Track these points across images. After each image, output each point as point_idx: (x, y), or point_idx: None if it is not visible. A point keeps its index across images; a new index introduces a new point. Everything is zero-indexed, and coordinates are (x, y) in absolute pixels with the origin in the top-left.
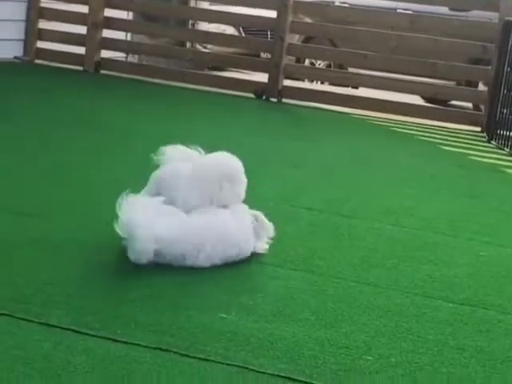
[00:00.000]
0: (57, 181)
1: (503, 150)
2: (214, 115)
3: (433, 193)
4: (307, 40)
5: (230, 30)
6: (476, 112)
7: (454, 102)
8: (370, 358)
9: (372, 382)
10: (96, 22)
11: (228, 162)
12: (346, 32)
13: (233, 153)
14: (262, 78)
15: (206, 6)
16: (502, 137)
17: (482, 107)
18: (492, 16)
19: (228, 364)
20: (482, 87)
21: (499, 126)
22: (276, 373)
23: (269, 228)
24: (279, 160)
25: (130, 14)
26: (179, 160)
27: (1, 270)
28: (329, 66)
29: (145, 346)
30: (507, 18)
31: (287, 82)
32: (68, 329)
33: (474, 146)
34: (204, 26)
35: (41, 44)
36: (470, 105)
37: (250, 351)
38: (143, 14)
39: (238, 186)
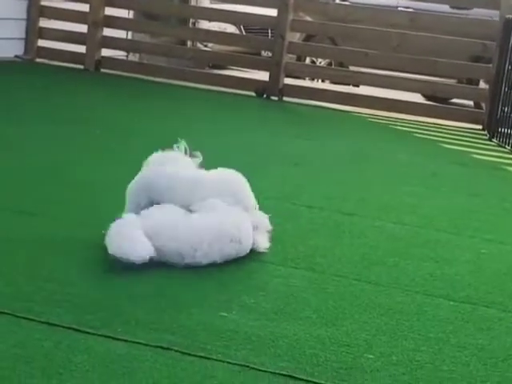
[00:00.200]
0: (57, 179)
1: (504, 147)
2: (215, 114)
3: (434, 190)
4: (308, 38)
5: (230, 28)
6: (477, 110)
7: (454, 100)
8: (371, 356)
9: (373, 380)
10: (97, 21)
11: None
12: (347, 30)
13: (233, 151)
14: (263, 76)
15: (206, 4)
16: (503, 135)
17: (483, 105)
18: (493, 14)
19: (229, 362)
20: (483, 85)
21: (500, 123)
22: (277, 371)
23: (265, 221)
24: (280, 158)
25: (131, 12)
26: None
27: (1, 268)
28: (329, 64)
29: (146, 345)
30: (508, 16)
31: (288, 81)
32: (69, 327)
33: (475, 144)
34: (205, 25)
35: (41, 43)
36: (471, 103)
37: (251, 349)
38: (144, 12)
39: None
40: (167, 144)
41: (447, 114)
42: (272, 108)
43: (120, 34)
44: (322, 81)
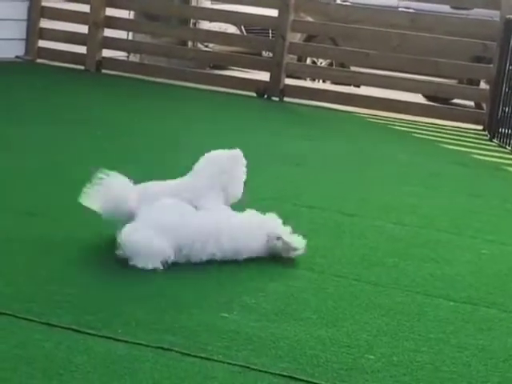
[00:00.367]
0: (57, 180)
1: (505, 148)
2: (216, 114)
3: (434, 191)
4: (309, 39)
5: (231, 28)
6: (478, 110)
7: (455, 101)
8: (372, 356)
9: (374, 380)
10: (97, 21)
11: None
12: (348, 30)
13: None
14: (264, 76)
15: (207, 5)
16: (503, 135)
17: (484, 105)
18: (493, 14)
19: (230, 363)
20: (483, 85)
21: (501, 124)
22: (278, 372)
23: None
24: (280, 158)
25: (132, 13)
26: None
27: (1, 268)
28: (330, 64)
29: (146, 345)
30: (508, 16)
31: (289, 81)
32: (69, 328)
33: (475, 145)
34: (205, 25)
35: (42, 43)
36: (471, 103)
37: (251, 350)
38: (145, 13)
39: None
40: (167, 144)
41: (448, 115)
42: (273, 108)
43: (121, 34)
44: (323, 81)
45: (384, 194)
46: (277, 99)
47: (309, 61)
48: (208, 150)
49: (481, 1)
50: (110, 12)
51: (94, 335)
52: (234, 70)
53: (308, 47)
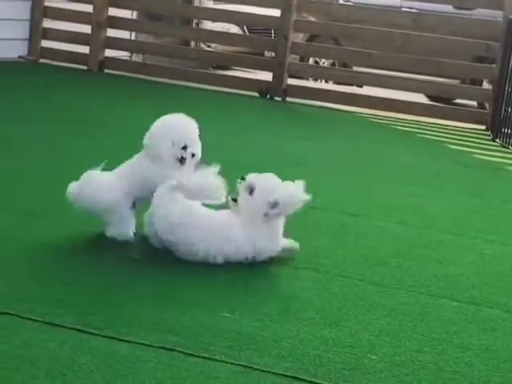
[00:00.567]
0: (58, 179)
1: (507, 148)
2: (218, 114)
3: (437, 191)
4: (311, 39)
5: (234, 28)
6: (480, 110)
7: (458, 101)
8: (375, 356)
9: (376, 380)
10: (100, 21)
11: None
12: (350, 30)
13: (236, 151)
14: (267, 76)
15: (210, 5)
16: (506, 135)
17: (487, 105)
18: (496, 14)
19: (232, 363)
20: (486, 85)
21: (504, 124)
22: (281, 372)
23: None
24: (282, 158)
25: (135, 13)
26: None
27: (4, 269)
28: (333, 64)
29: (149, 345)
30: (511, 17)
31: (291, 81)
32: (72, 328)
33: (478, 145)
34: (208, 25)
35: (45, 43)
36: (474, 103)
37: (254, 350)
38: (147, 13)
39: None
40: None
41: (451, 115)
42: (275, 108)
43: (123, 34)
44: (326, 81)
45: (386, 194)
46: (279, 99)
47: (311, 61)
48: (209, 150)
49: (484, 1)
50: (113, 12)
51: (97, 335)
52: (236, 70)
53: (310, 47)
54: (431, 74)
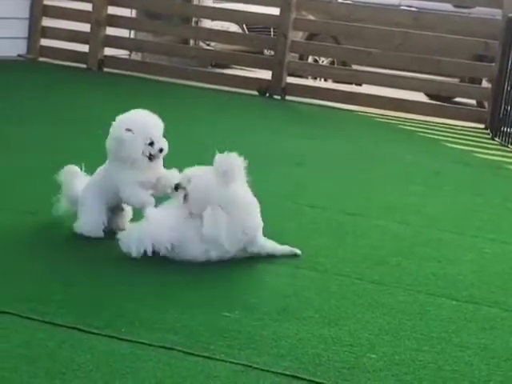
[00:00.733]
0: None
1: (507, 147)
2: (217, 112)
3: (437, 190)
4: (310, 37)
5: (233, 27)
6: (480, 109)
7: (457, 99)
8: (374, 355)
9: (376, 379)
10: (99, 20)
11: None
12: (350, 29)
13: (235, 150)
14: (266, 75)
15: (209, 3)
16: (505, 134)
17: (486, 104)
18: (495, 13)
19: (232, 362)
20: (485, 84)
21: (503, 123)
22: (280, 371)
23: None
24: (282, 157)
25: (134, 11)
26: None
27: (4, 268)
28: (332, 63)
29: (149, 344)
30: (511, 15)
31: (290, 80)
32: (72, 327)
33: (477, 143)
34: (207, 24)
35: (44, 42)
36: (473, 102)
37: (253, 349)
38: (147, 11)
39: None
40: (169, 142)
41: (450, 113)
42: (274, 107)
43: (123, 33)
44: (325, 80)
45: (386, 193)
46: (278, 98)
47: (310, 59)
48: (208, 149)
49: None
50: (112, 10)
51: (97, 334)
52: (235, 68)
53: (310, 46)
54: (430, 72)
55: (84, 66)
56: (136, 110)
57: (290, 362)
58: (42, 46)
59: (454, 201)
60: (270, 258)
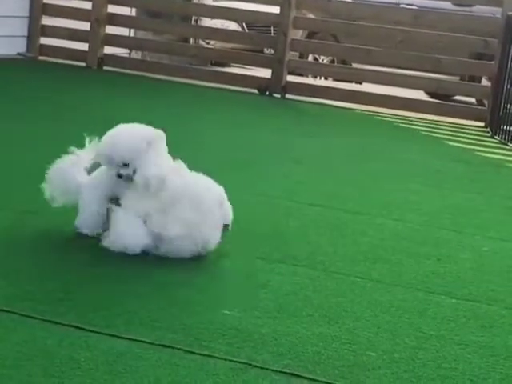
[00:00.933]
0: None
1: (507, 145)
2: (217, 111)
3: (436, 188)
4: (310, 35)
5: (233, 25)
6: (479, 107)
7: (457, 97)
8: (373, 353)
9: (375, 377)
10: (99, 18)
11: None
12: (350, 27)
13: (235, 149)
14: (266, 73)
15: (209, 1)
16: (505, 132)
17: (486, 102)
18: (495, 11)
19: (231, 360)
20: (485, 82)
21: (503, 121)
22: (279, 369)
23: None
24: (282, 156)
25: (134, 10)
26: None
27: (4, 267)
28: (332, 61)
29: (148, 343)
30: (510, 13)
31: (290, 78)
32: (71, 325)
33: (477, 142)
34: (207, 22)
35: (44, 40)
36: (473, 100)
37: (253, 347)
38: (146, 10)
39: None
40: (168, 141)
41: (450, 111)
42: (274, 105)
43: (123, 31)
44: (325, 78)
45: (386, 192)
46: (278, 96)
47: (310, 58)
48: (208, 148)
49: None
50: (112, 9)
51: (96, 332)
52: (235, 66)
53: (310, 44)
54: (430, 70)
55: (84, 64)
56: (125, 126)
57: (289, 359)
58: (41, 45)
59: (453, 199)
60: (269, 255)
